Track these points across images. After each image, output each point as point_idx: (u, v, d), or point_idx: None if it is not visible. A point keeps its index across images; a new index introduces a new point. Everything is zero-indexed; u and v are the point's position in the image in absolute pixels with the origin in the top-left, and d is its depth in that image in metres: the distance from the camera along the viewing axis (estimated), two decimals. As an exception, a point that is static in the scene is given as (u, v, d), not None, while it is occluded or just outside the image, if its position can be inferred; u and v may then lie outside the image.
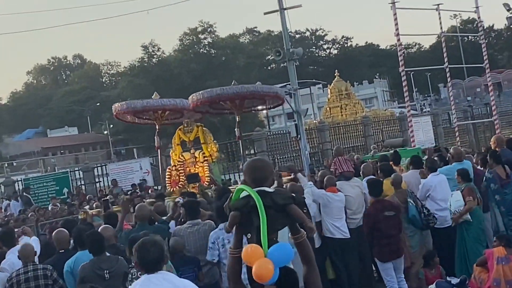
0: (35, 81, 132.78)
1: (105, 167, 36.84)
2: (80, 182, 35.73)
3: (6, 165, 68.58)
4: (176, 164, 20.26)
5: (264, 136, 35.54)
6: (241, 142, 21.65)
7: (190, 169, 19.95)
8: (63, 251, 10.48)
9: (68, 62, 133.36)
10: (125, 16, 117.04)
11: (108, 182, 34.61)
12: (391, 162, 16.57)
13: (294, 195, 4.95)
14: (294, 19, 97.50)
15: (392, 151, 21.09)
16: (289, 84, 28.07)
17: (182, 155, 20.30)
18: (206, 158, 19.94)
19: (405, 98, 34.29)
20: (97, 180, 35.82)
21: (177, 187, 19.59)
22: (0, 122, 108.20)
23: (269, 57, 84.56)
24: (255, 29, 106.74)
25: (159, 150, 22.97)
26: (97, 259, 9.24)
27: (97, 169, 36.76)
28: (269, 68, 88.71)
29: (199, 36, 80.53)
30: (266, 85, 22.19)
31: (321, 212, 12.83)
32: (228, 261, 4.63)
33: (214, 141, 20.84)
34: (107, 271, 9.13)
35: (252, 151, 35.64)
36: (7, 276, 10.03)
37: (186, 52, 79.76)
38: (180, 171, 19.95)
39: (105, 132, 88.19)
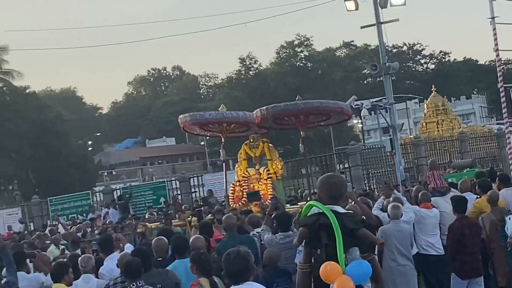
0: (135, 92, 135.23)
1: (201, 178, 37.37)
2: (177, 191, 36.30)
3: (105, 173, 70.26)
4: (240, 180, 19.82)
5: (359, 150, 35.43)
6: (335, 155, 21.45)
7: (254, 186, 19.48)
8: (160, 259, 10.65)
9: (167, 74, 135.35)
10: (223, 28, 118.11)
11: (203, 192, 35.10)
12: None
13: (364, 218, 4.98)
14: (391, 33, 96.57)
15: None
16: (385, 98, 28.01)
17: (247, 171, 19.88)
18: (270, 175, 19.42)
19: (503, 114, 33.69)
20: (193, 190, 36.35)
21: (239, 203, 19.22)
22: (101, 131, 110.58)
23: (365, 71, 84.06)
24: (351, 42, 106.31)
25: (224, 164, 22.87)
26: (148, 274, 9.29)
27: (193, 179, 37.31)
28: (365, 82, 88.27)
29: (296, 49, 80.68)
30: (331, 101, 21.81)
31: (415, 228, 12.81)
32: (298, 276, 4.62)
33: (280, 158, 20.41)
34: (159, 286, 9.26)
35: (346, 165, 35.59)
36: (105, 283, 10.41)
37: (282, 65, 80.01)
38: (244, 187, 19.51)
39: (202, 143, 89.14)
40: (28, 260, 11.62)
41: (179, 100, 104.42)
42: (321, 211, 4.52)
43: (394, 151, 26.84)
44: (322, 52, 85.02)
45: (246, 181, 19.57)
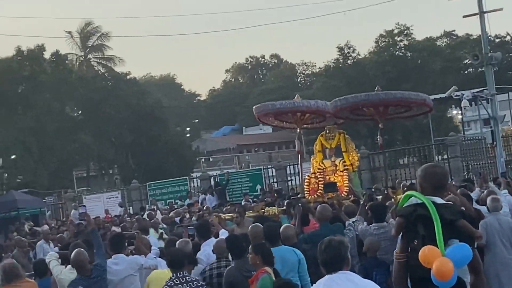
0: (233, 79, 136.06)
1: (298, 166, 37.37)
2: (273, 179, 36.42)
3: (203, 160, 71.01)
4: (316, 172, 19.79)
5: (459, 141, 34.86)
6: (434, 146, 21.13)
7: (329, 178, 19.33)
8: (255, 246, 10.88)
9: (265, 62, 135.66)
10: (322, 17, 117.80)
11: (299, 181, 35.07)
12: None
13: (463, 209, 4.88)
14: (494, 23, 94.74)
15: None
16: (486, 89, 27.52)
17: (323, 163, 19.78)
18: (346, 167, 19.25)
19: None
20: (289, 178, 36.40)
21: (315, 195, 19.00)
22: (199, 118, 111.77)
23: (467, 61, 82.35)
24: (453, 32, 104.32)
25: (299, 155, 22.60)
26: (241, 261, 9.50)
27: (290, 167, 37.36)
28: (465, 72, 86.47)
29: (395, 38, 79.73)
30: (414, 92, 21.35)
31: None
32: (394, 266, 4.56)
33: (356, 149, 20.22)
34: (254, 272, 9.25)
35: (445, 156, 35.06)
36: (201, 268, 10.58)
37: (381, 54, 79.19)
38: (320, 179, 19.43)
39: (298, 131, 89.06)
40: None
41: (276, 88, 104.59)
42: (419, 201, 4.47)
43: (495, 143, 26.37)
44: (422, 41, 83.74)
45: (321, 173, 19.51)
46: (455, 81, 56.65)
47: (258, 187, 34.03)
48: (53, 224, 31.35)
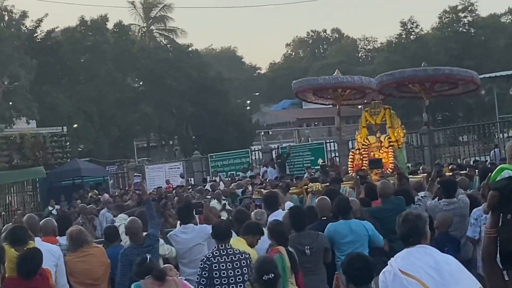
0: (293, 53, 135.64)
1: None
2: (334, 154, 36.34)
3: (262, 133, 71.07)
4: (360, 148, 19.34)
5: (523, 119, 34.38)
6: (498, 124, 20.71)
7: (374, 154, 18.87)
8: (325, 218, 10.85)
9: (326, 36, 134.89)
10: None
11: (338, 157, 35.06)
12: None
13: None
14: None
15: None
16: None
17: (367, 139, 19.33)
18: (391, 143, 18.78)
19: None
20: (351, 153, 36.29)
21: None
22: (259, 91, 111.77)
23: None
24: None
25: (339, 132, 22.30)
26: (298, 235, 9.50)
27: (352, 141, 37.22)
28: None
29: (459, 14, 78.65)
30: (463, 69, 20.64)
31: None
32: (484, 241, 4.53)
33: (402, 125, 19.65)
34: (308, 247, 9.37)
35: (510, 134, 34.60)
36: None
37: (444, 30, 78.24)
38: (364, 155, 18.98)
39: (359, 106, 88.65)
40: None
41: (337, 63, 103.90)
42: None
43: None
44: (486, 18, 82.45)
45: (366, 149, 19.06)
46: (519, 58, 55.73)
47: (320, 160, 33.94)
48: (116, 193, 31.77)
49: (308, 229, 10.04)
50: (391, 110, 19.46)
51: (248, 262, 8.63)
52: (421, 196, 12.18)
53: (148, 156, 67.67)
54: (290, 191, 17.03)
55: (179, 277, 7.98)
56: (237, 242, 9.30)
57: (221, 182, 28.36)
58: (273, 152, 37.04)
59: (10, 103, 45.21)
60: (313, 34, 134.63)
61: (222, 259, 8.57)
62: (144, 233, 10.18)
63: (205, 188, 25.24)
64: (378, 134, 19.23)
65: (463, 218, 11.02)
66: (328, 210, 11.04)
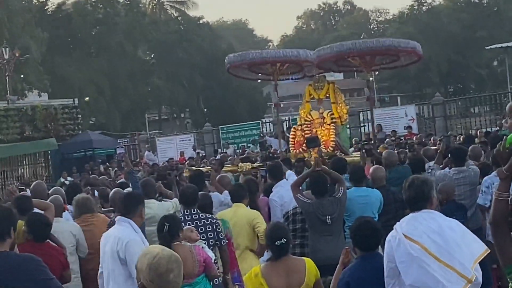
0: (304, 26, 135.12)
1: (370, 112, 37.21)
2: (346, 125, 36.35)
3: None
4: (302, 124, 18.48)
5: (535, 90, 34.22)
6: (510, 94, 20.44)
7: (316, 130, 17.92)
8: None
9: (337, 8, 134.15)
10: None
11: (372, 128, 34.96)
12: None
13: None
14: None
15: None
16: None
17: (310, 114, 18.43)
18: (334, 120, 17.88)
19: None
20: (361, 124, 36.34)
21: (300, 149, 17.90)
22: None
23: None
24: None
25: (277, 108, 21.63)
26: (319, 202, 9.43)
27: (362, 113, 37.26)
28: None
29: (472, -15, 78.42)
30: (404, 40, 20.05)
31: None
32: (494, 205, 4.51)
33: (345, 101, 19.04)
34: (329, 216, 9.32)
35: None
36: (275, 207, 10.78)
37: (457, 1, 77.90)
38: (306, 131, 18.09)
39: (370, 78, 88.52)
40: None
41: (348, 35, 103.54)
42: None
43: None
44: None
45: (308, 125, 18.29)
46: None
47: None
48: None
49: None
50: (335, 85, 18.90)
51: (215, 227, 8.75)
52: (430, 167, 12.19)
53: (160, 129, 67.82)
54: (224, 169, 16.58)
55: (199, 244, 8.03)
56: (237, 209, 9.69)
57: (231, 154, 28.42)
58: (285, 123, 36.99)
59: (22, 75, 45.35)
60: (324, 6, 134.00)
61: (186, 224, 8.62)
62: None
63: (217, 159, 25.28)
64: (322, 109, 18.46)
65: (473, 186, 10.99)
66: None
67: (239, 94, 66.80)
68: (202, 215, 8.86)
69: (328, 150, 17.24)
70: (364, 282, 6.31)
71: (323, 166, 9.88)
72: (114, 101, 59.37)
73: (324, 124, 17.98)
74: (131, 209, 7.76)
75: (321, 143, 17.26)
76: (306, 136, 17.75)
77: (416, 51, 18.90)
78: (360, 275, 6.34)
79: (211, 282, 7.93)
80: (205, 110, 69.83)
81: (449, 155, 11.91)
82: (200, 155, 33.97)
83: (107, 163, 33.46)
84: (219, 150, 34.50)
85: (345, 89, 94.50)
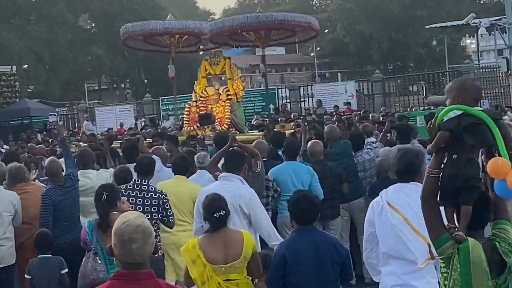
0: (247, 0, 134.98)
1: (311, 87, 37.47)
2: (286, 100, 36.53)
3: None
4: (197, 100, 18.15)
5: (473, 69, 34.74)
6: (448, 74, 20.65)
7: (212, 107, 17.68)
8: (265, 159, 11.03)
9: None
10: None
11: (312, 103, 35.24)
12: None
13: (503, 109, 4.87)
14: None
15: None
16: (504, 17, 27.31)
17: (206, 90, 18.17)
18: (229, 97, 17.69)
19: None
20: (302, 99, 36.54)
21: (194, 126, 17.51)
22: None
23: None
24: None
25: (173, 82, 21.20)
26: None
27: (303, 88, 37.46)
28: (481, 1, 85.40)
29: (414, -38, 78.79)
30: (298, 14, 19.94)
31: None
32: (426, 181, 4.61)
33: (241, 77, 18.78)
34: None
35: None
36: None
37: (399, -21, 78.46)
38: (201, 107, 17.82)
39: (312, 54, 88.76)
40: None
41: (291, 10, 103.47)
42: (459, 113, 4.45)
43: (510, 72, 26.24)
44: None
45: (204, 102, 17.98)
46: (470, 9, 56.01)
47: (271, 106, 34.04)
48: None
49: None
50: (231, 60, 18.54)
51: (161, 203, 8.77)
52: (372, 144, 12.33)
53: (99, 99, 67.13)
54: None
55: None
56: (179, 181, 9.71)
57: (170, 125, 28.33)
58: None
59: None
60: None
61: (133, 193, 8.68)
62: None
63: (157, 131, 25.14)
64: (217, 85, 18.25)
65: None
66: (266, 152, 11.31)
67: (181, 66, 66.36)
68: (151, 188, 8.86)
69: (223, 127, 16.94)
70: (300, 255, 6.40)
71: (239, 142, 9.90)
72: (53, 69, 58.55)
73: (220, 101, 17.69)
74: (239, 166, 8.29)
75: (216, 120, 17.04)
76: (200, 113, 17.48)
77: (312, 26, 18.83)
78: (296, 248, 6.43)
79: None
80: (146, 81, 69.23)
81: (393, 131, 12.04)
82: (142, 124, 33.85)
83: (45, 132, 33.07)
84: (159, 122, 34.36)
85: (286, 64, 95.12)
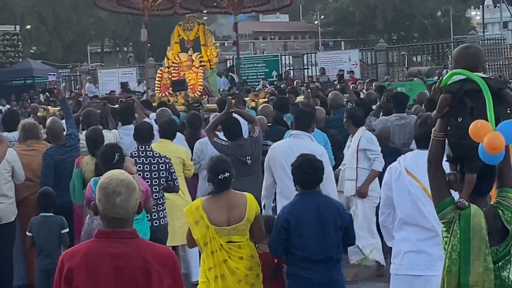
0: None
1: (315, 55, 37.37)
2: (289, 67, 36.47)
3: (218, 44, 70.73)
4: (169, 66, 17.67)
5: (478, 40, 34.59)
6: (453, 44, 20.35)
7: (184, 74, 17.19)
8: (270, 124, 11.07)
9: None
10: None
11: (316, 71, 35.17)
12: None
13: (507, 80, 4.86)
14: None
15: None
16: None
17: (178, 56, 17.66)
18: (203, 63, 17.20)
19: None
20: (305, 67, 36.47)
21: (166, 93, 17.10)
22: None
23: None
24: None
25: (146, 46, 20.84)
26: (236, 144, 9.17)
27: (307, 56, 37.37)
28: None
29: None
30: None
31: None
32: (431, 144, 4.62)
33: (215, 43, 18.21)
34: (249, 157, 9.15)
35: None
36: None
37: None
38: (173, 74, 17.33)
39: (316, 22, 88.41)
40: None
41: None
42: (464, 78, 4.46)
43: (515, 44, 26.13)
44: None
45: (176, 68, 17.51)
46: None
47: (274, 73, 34.00)
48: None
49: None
50: (205, 26, 18.22)
51: (167, 167, 8.77)
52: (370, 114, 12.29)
53: (102, 62, 66.95)
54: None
55: None
56: (165, 144, 9.61)
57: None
58: (228, 62, 36.95)
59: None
60: None
61: (140, 160, 8.63)
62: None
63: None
64: (190, 51, 17.74)
65: (413, 133, 11.10)
66: (271, 116, 11.29)
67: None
68: (156, 153, 8.82)
69: (195, 94, 16.64)
70: (303, 219, 6.39)
71: (236, 108, 9.83)
72: (56, 31, 58.33)
73: (193, 67, 17.27)
74: (309, 124, 8.58)
75: (188, 87, 16.68)
76: (172, 79, 17.14)
77: None
78: (299, 212, 6.42)
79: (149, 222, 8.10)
80: (149, 45, 68.95)
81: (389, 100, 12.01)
82: (145, 88, 33.70)
83: (47, 93, 32.99)
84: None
85: (290, 31, 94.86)
